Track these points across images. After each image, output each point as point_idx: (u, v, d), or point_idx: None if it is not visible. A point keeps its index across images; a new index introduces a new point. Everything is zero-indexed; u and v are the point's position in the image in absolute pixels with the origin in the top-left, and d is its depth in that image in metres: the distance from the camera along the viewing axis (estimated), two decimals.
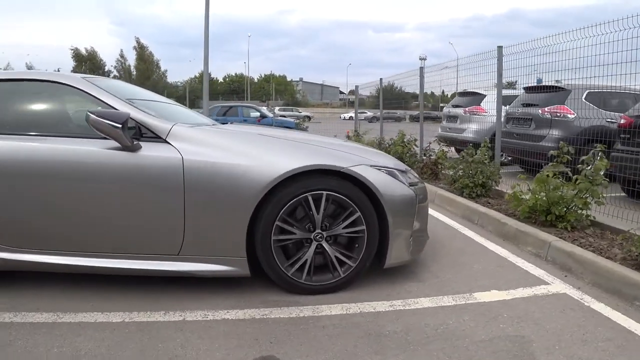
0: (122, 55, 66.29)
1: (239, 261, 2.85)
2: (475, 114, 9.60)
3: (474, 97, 9.61)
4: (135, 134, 2.84)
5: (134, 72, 65.59)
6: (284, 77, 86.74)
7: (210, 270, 2.86)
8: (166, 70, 71.00)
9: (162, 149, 2.81)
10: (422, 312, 2.81)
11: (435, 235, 4.20)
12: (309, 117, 41.50)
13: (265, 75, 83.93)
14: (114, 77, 63.07)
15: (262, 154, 2.89)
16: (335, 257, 2.97)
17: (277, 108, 43.75)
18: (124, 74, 64.01)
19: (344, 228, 2.97)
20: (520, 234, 4.06)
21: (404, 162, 7.45)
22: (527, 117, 7.49)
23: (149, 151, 2.79)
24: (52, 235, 2.91)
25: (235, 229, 2.80)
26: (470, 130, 9.47)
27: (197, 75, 67.96)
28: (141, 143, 2.80)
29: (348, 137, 11.62)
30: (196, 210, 2.79)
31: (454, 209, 5.38)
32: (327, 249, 2.95)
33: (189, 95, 57.83)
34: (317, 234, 2.93)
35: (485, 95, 8.86)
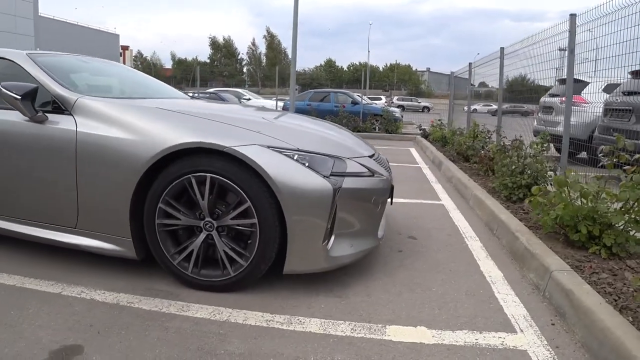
0: (253, 44, 70.31)
1: (126, 242, 2.63)
2: (574, 105, 7.87)
3: (576, 86, 7.87)
4: (51, 106, 2.80)
5: (264, 60, 69.01)
6: (409, 66, 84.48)
7: (101, 247, 2.69)
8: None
9: (64, 121, 2.73)
10: (291, 338, 2.12)
11: (428, 243, 3.44)
12: (428, 108, 39.82)
13: (390, 64, 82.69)
14: (245, 63, 66.89)
15: (155, 129, 2.58)
16: (225, 252, 2.52)
17: (395, 98, 42.63)
18: (255, 61, 67.74)
19: (232, 219, 2.50)
20: (527, 254, 2.94)
21: (467, 157, 6.54)
22: (626, 109, 5.83)
23: (52, 123, 2.74)
24: None
25: (120, 207, 2.57)
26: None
27: (323, 63, 69.30)
28: (50, 115, 2.76)
29: (432, 126, 10.52)
30: (86, 185, 2.67)
31: (482, 213, 4.28)
32: (216, 241, 2.52)
33: (312, 82, 59.20)
34: (207, 223, 2.53)
35: (588, 83, 7.20)
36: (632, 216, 2.80)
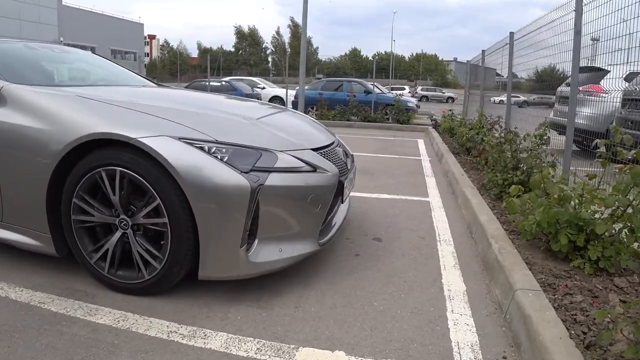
0: (277, 33, 70.06)
1: (46, 237, 2.45)
2: (591, 95, 7.22)
3: (595, 74, 7.19)
4: None
5: (288, 49, 68.76)
6: (435, 56, 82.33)
7: (24, 243, 2.52)
8: (317, 48, 73.04)
9: None
10: (185, 355, 1.86)
11: (393, 247, 3.08)
12: (452, 99, 38.72)
13: (416, 54, 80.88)
14: (270, 52, 66.65)
15: (70, 119, 2.37)
16: (139, 252, 2.29)
17: (420, 88, 41.67)
18: (279, 50, 67.54)
19: (143, 217, 2.26)
20: (496, 265, 2.49)
21: (469, 149, 6.01)
22: None
23: None
24: None
25: (35, 201, 2.40)
26: (583, 115, 7.14)
27: (347, 52, 68.46)
28: None
29: (443, 117, 9.96)
30: (6, 175, 2.49)
31: (466, 212, 3.81)
32: (131, 240, 2.30)
33: (337, 71, 58.65)
34: (122, 221, 2.31)
35: (607, 72, 6.53)
36: (627, 224, 2.30)
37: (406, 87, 36.81)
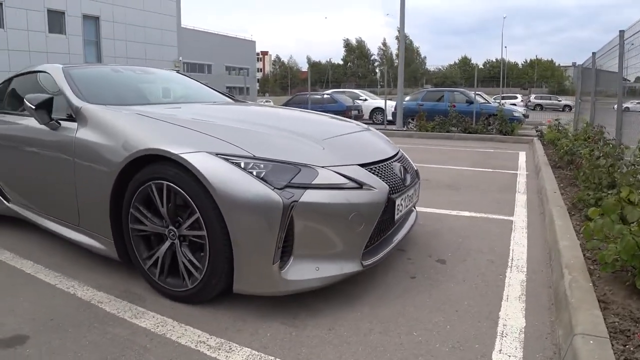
0: (384, 44, 69.96)
1: (109, 243, 2.65)
2: None
3: None
4: (66, 114, 2.97)
5: (395, 60, 68.33)
6: (551, 61, 75.72)
7: (92, 246, 2.77)
8: (425, 57, 71.61)
9: (71, 126, 2.86)
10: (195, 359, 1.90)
11: (456, 271, 2.86)
12: (570, 107, 35.33)
13: (530, 60, 75.27)
14: (377, 64, 66.90)
15: (129, 135, 2.55)
16: (183, 262, 2.37)
17: (533, 96, 38.76)
18: (386, 62, 67.51)
19: (187, 229, 2.34)
20: (564, 302, 2.14)
21: (570, 162, 5.33)
22: None
23: (62, 129, 2.90)
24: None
25: (102, 210, 2.60)
26: None
27: (457, 61, 66.09)
28: (64, 122, 2.92)
29: (549, 127, 9.11)
30: (80, 186, 2.76)
31: (550, 236, 3.35)
32: (177, 250, 2.39)
33: (446, 81, 56.98)
34: (171, 231, 2.40)
35: None
36: None
37: (518, 95, 34.37)
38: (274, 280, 2.16)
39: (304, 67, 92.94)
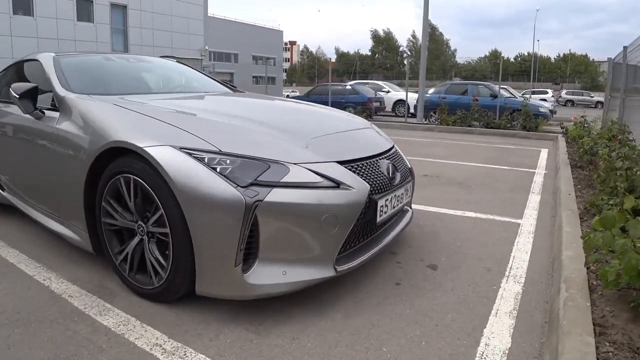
0: (413, 36, 68.88)
1: (85, 235, 2.58)
2: None
3: None
4: (50, 103, 2.91)
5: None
6: (585, 56, 72.71)
7: (71, 237, 2.70)
8: (455, 50, 70.13)
9: (53, 116, 2.80)
10: None
11: (446, 279, 2.64)
12: (602, 103, 33.89)
13: (563, 54, 72.52)
14: (406, 56, 66.00)
15: (104, 127, 2.45)
16: (150, 260, 2.27)
17: (564, 92, 37.48)
18: (415, 54, 66.50)
19: (152, 226, 2.23)
20: (556, 323, 1.90)
21: (591, 162, 4.98)
22: None
23: (45, 119, 2.84)
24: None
25: (77, 201, 2.54)
26: None
27: (487, 54, 64.44)
28: (48, 111, 2.86)
29: (574, 124, 8.67)
30: (58, 176, 2.70)
31: (556, 243, 3.08)
32: (145, 247, 2.30)
33: (475, 74, 55.77)
34: (140, 227, 2.31)
35: None
36: None
37: (549, 90, 33.19)
38: (237, 283, 2.01)
39: (333, 58, 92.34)
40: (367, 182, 2.31)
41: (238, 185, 1.97)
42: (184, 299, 2.23)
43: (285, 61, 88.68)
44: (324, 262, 2.15)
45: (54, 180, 2.74)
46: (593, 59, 72.70)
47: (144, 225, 2.27)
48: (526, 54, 73.35)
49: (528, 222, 3.77)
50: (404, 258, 2.91)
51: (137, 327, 2.07)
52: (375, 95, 17.31)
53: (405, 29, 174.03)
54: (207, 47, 28.89)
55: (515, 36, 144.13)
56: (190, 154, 2.08)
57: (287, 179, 2.06)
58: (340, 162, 2.28)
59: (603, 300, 2.03)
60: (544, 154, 7.95)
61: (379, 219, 2.38)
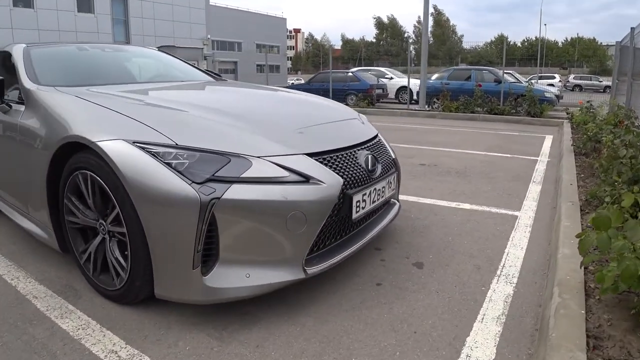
0: (419, 22, 67.99)
1: (51, 233, 2.45)
2: None
3: None
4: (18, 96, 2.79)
5: (431, 38, 66.41)
6: (593, 40, 71.15)
7: (39, 235, 2.56)
8: (462, 35, 69.13)
9: (19, 110, 2.66)
10: None
11: (431, 278, 2.45)
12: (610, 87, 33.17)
13: (571, 38, 70.94)
14: (411, 42, 65.29)
15: (63, 120, 2.30)
16: (111, 260, 2.15)
17: (572, 76, 36.80)
18: (420, 40, 65.79)
19: (111, 224, 2.10)
20: (544, 333, 1.70)
21: (595, 149, 4.75)
22: None
23: (12, 112, 2.71)
24: None
25: (41, 197, 2.42)
26: None
27: (493, 39, 63.41)
28: (15, 105, 2.73)
29: (580, 109, 8.37)
30: (22, 172, 2.58)
31: (554, 238, 2.88)
32: (107, 247, 2.17)
33: (481, 60, 54.97)
34: (101, 225, 2.17)
35: None
36: None
37: (556, 75, 32.56)
38: (196, 287, 1.86)
39: (338, 45, 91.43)
40: (341, 176, 2.11)
41: (193, 182, 1.81)
42: (149, 300, 2.08)
43: (290, 49, 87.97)
44: (292, 263, 1.97)
45: (20, 175, 2.61)
46: (601, 43, 71.11)
47: (104, 223, 2.12)
48: (533, 38, 71.94)
49: (526, 214, 3.56)
50: (389, 255, 2.72)
51: (95, 332, 1.95)
52: (378, 82, 17.00)
53: (413, 15, 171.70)
54: (209, 36, 28.64)
55: (523, 21, 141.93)
56: (143, 148, 1.92)
57: (248, 173, 1.88)
58: (311, 155, 2.09)
59: (600, 307, 1.83)
60: (548, 140, 7.68)
61: (355, 215, 2.19)
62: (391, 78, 19.71)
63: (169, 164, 1.86)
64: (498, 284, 2.36)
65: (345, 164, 2.21)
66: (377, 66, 32.24)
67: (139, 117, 2.12)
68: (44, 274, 2.50)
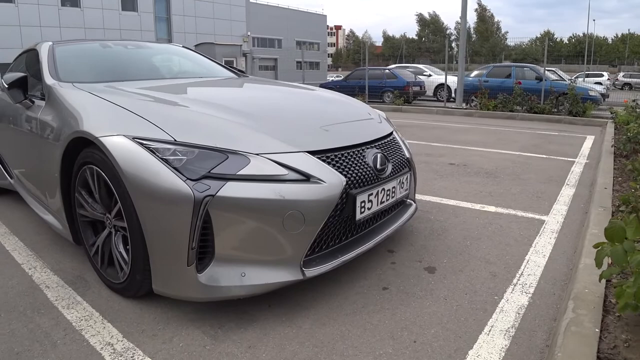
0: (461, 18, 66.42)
1: (65, 224, 2.49)
2: None
3: None
4: (40, 93, 2.86)
5: (474, 35, 64.74)
6: None
7: (57, 227, 2.62)
8: (506, 32, 67.01)
9: (40, 106, 2.73)
10: None
11: (441, 285, 2.35)
12: None
13: (621, 34, 67.20)
14: (454, 38, 63.93)
15: (75, 116, 2.34)
16: (116, 254, 2.18)
17: (622, 74, 34.99)
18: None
19: (114, 219, 2.14)
20: (552, 352, 1.57)
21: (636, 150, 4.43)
22: None
23: (34, 108, 2.79)
24: None
25: (55, 191, 2.49)
26: None
27: (539, 35, 61.10)
28: (38, 100, 2.80)
29: (625, 108, 7.92)
30: (41, 166, 2.65)
31: (580, 247, 2.70)
32: (112, 240, 2.19)
33: (526, 57, 53.11)
34: (108, 219, 2.20)
35: None
36: None
37: (605, 73, 31.00)
38: (191, 284, 1.84)
39: (379, 42, 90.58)
40: (345, 175, 2.04)
41: (188, 179, 1.79)
42: (153, 295, 2.08)
43: (331, 46, 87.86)
44: (290, 264, 1.92)
45: (40, 170, 2.70)
46: None
47: (110, 217, 2.16)
48: (581, 34, 68.72)
49: (554, 219, 3.36)
50: (401, 258, 2.62)
51: (97, 324, 1.98)
52: (415, 79, 16.68)
53: (456, 12, 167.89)
54: (249, 33, 28.97)
55: (570, 17, 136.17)
56: (142, 144, 1.92)
57: (245, 171, 1.84)
58: (313, 153, 2.02)
59: (619, 325, 1.67)
60: (588, 141, 7.29)
61: (359, 216, 2.11)
62: (430, 75, 19.29)
63: (165, 160, 1.85)
64: (513, 293, 2.22)
65: (350, 163, 2.13)
66: (418, 63, 31.66)
67: (144, 113, 2.12)
68: (60, 264, 2.57)
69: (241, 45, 25.56)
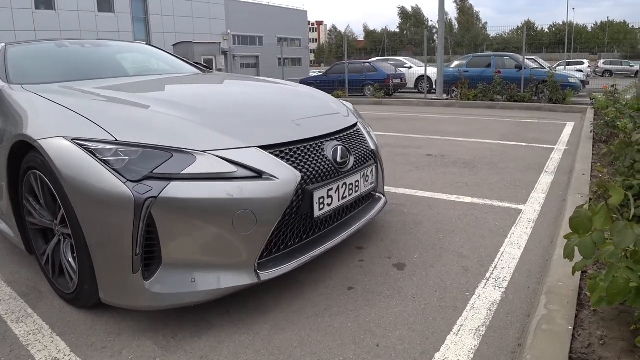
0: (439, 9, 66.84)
1: (17, 232, 2.36)
2: None
3: None
4: None
5: (455, 26, 64.91)
6: (624, 23, 67.74)
7: (10, 235, 2.46)
8: (486, 23, 67.34)
9: None
10: None
11: (410, 282, 2.24)
12: None
13: (601, 22, 67.72)
14: (435, 31, 64.27)
15: (20, 118, 2.19)
16: (64, 263, 2.05)
17: (602, 62, 35.35)
18: (446, 28, 64.56)
19: (60, 226, 2.01)
20: (522, 352, 1.46)
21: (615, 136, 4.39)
22: None
23: None
24: None
25: (5, 198, 2.34)
26: None
27: (519, 25, 61.44)
28: None
29: (604, 94, 7.89)
30: None
31: (556, 237, 2.61)
32: (61, 249, 2.07)
33: (507, 47, 53.45)
34: (56, 226, 2.07)
35: None
36: None
37: (585, 61, 31.29)
38: (138, 293, 1.72)
39: (361, 37, 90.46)
40: (300, 170, 1.91)
41: (128, 180, 1.66)
42: (87, 307, 1.99)
43: (313, 42, 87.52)
44: (243, 267, 1.79)
45: None
46: (632, 26, 67.72)
47: (57, 224, 2.03)
48: (561, 23, 69.16)
49: (532, 208, 3.28)
50: (370, 255, 2.51)
51: (45, 338, 1.86)
52: (396, 71, 16.59)
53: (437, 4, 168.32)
54: (229, 31, 28.64)
55: (549, 6, 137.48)
56: (81, 145, 1.77)
57: (190, 169, 1.71)
58: (264, 147, 1.89)
59: (595, 320, 1.57)
60: (568, 128, 7.26)
61: (318, 213, 1.98)
62: (410, 67, 19.21)
63: (105, 161, 1.71)
64: (485, 288, 2.12)
65: (307, 157, 2.00)
66: (401, 56, 31.55)
67: (88, 113, 1.97)
68: (15, 275, 2.44)
69: (220, 43, 25.26)
